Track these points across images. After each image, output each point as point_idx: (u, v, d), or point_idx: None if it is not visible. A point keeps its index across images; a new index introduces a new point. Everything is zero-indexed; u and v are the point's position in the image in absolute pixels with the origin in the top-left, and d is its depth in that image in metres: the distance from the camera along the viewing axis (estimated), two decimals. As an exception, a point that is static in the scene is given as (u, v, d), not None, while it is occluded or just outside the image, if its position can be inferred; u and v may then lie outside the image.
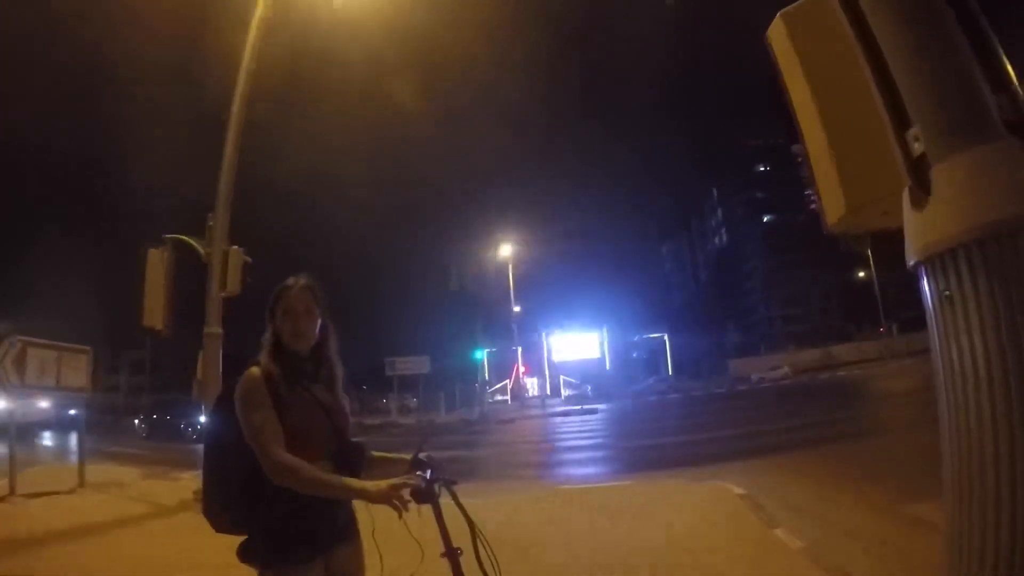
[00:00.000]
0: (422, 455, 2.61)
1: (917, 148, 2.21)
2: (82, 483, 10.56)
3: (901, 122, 2.27)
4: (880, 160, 2.34)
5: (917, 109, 2.20)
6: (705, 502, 7.52)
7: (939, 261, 2.10)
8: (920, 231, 2.19)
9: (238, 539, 2.37)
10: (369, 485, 2.28)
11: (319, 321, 2.53)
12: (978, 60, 2.18)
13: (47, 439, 22.06)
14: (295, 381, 2.42)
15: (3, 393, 10.27)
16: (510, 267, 48.20)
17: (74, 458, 12.62)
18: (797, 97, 2.66)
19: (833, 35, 2.49)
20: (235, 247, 9.91)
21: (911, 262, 2.27)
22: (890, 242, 2.54)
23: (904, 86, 2.24)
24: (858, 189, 2.45)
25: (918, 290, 2.25)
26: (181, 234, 10.07)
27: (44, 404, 20.33)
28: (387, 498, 2.24)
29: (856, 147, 2.45)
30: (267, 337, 2.48)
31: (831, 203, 2.55)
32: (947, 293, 2.07)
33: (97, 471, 11.54)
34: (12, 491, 9.24)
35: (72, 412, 20.79)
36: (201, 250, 9.84)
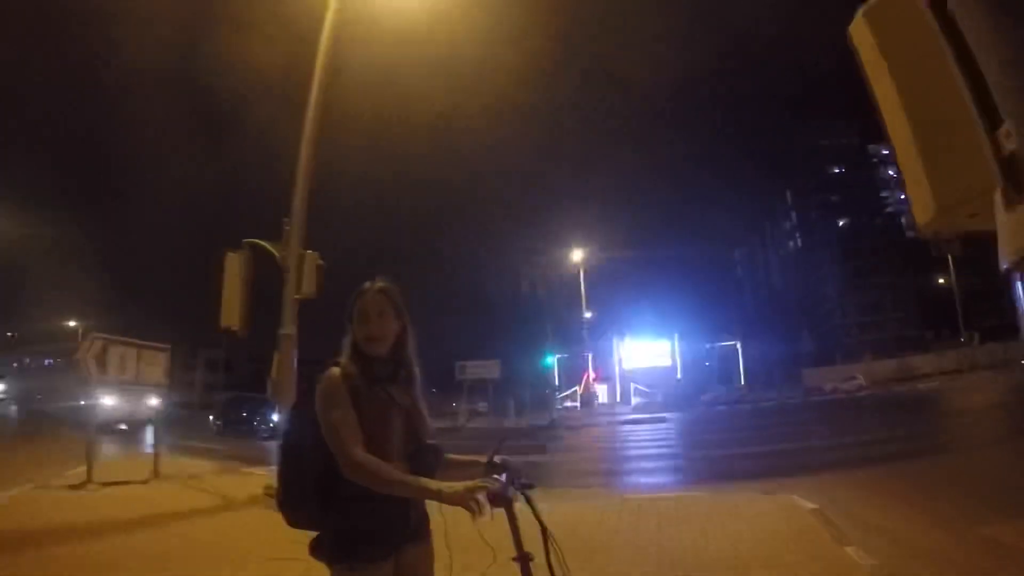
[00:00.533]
0: (498, 458, 2.62)
1: (1009, 146, 2.12)
2: (156, 474, 10.92)
3: (992, 120, 2.17)
4: (970, 159, 2.24)
5: (1009, 106, 2.10)
6: (774, 516, 7.36)
7: (1034, 265, 2.00)
8: (1014, 233, 2.08)
9: (307, 534, 2.41)
10: (444, 486, 2.28)
11: (396, 324, 2.56)
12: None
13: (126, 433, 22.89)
14: (373, 382, 2.44)
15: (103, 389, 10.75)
16: (581, 272, 48.13)
17: (150, 450, 13.04)
18: (883, 95, 2.58)
19: (917, 30, 2.40)
20: (310, 251, 10.12)
21: (1004, 266, 2.16)
22: (977, 246, 2.45)
23: (994, 82, 2.14)
24: (948, 189, 2.36)
25: (1006, 297, 2.16)
26: (260, 239, 10.32)
27: (154, 401, 21.01)
28: (463, 500, 2.23)
29: (945, 146, 2.36)
30: (347, 340, 2.52)
31: (920, 204, 2.46)
32: None
33: (171, 463, 11.89)
34: (89, 479, 9.58)
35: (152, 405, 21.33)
36: (277, 254, 10.06)
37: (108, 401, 19.56)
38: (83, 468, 9.77)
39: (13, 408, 41.87)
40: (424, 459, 2.43)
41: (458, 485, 2.30)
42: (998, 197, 2.16)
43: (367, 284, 2.56)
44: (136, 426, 21.44)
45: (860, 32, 2.65)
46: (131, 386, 11.70)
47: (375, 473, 2.26)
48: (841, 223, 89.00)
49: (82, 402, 18.65)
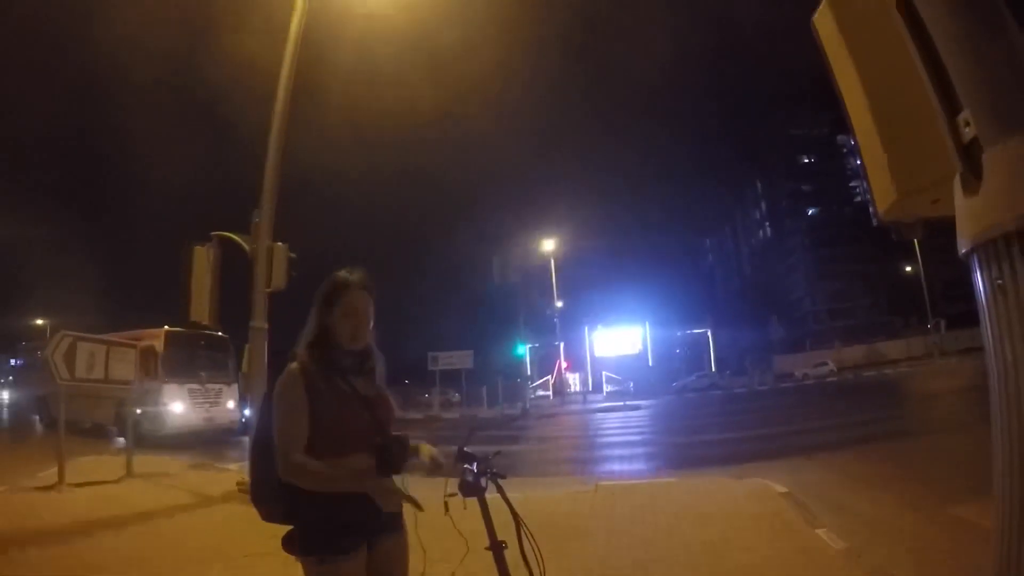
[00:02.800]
0: (467, 448, 2.63)
1: (968, 133, 2.14)
2: (129, 473, 10.76)
3: (951, 107, 2.20)
4: (930, 146, 2.27)
5: (968, 93, 2.13)
6: (747, 500, 7.46)
7: (991, 249, 2.02)
8: (971, 218, 2.11)
9: (281, 530, 2.42)
10: (380, 479, 2.35)
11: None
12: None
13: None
14: (335, 374, 2.44)
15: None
16: (553, 262, 48.14)
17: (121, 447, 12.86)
18: (845, 83, 2.61)
19: (881, 19, 2.43)
20: (279, 243, 10.03)
21: (962, 251, 2.18)
22: (939, 235, 2.49)
23: (954, 70, 2.17)
24: (908, 176, 2.39)
25: (968, 282, 2.19)
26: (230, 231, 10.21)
27: (231, 404, 19.99)
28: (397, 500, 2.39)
29: (906, 133, 2.39)
30: (310, 329, 2.50)
31: (881, 191, 2.49)
32: (999, 282, 2.00)
33: (144, 461, 11.77)
34: (61, 480, 9.45)
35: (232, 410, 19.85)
36: (246, 246, 9.97)
37: (178, 407, 18.71)
38: (54, 469, 9.63)
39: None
40: (390, 451, 2.43)
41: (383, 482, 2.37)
42: (957, 183, 2.19)
43: (344, 274, 2.53)
44: (215, 435, 19.21)
45: (824, 21, 2.68)
46: (101, 385, 11.29)
47: (312, 474, 2.28)
48: (811, 212, 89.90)
49: (139, 410, 18.01)
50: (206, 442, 17.52)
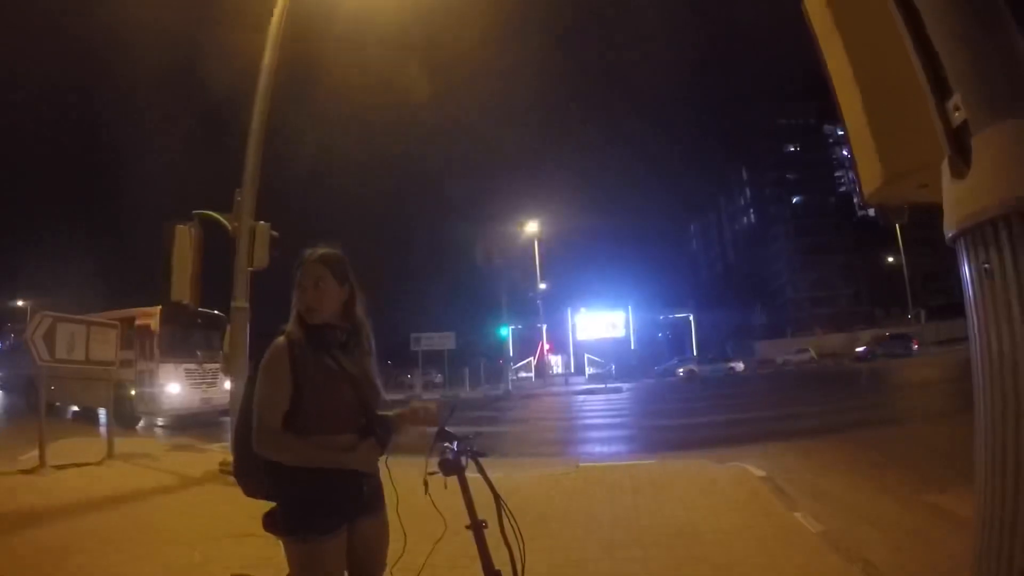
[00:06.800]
0: (448, 428, 2.61)
1: (957, 117, 2.14)
2: (111, 454, 10.66)
3: (941, 91, 2.20)
4: (919, 130, 2.27)
5: (959, 77, 2.12)
6: (726, 483, 7.50)
7: (979, 233, 2.03)
8: (959, 202, 2.12)
9: (261, 511, 2.41)
10: (356, 454, 2.35)
11: (341, 291, 2.52)
12: (1022, 29, 2.10)
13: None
14: (321, 350, 2.42)
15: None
16: (536, 244, 48.22)
17: (103, 430, 12.74)
18: (834, 66, 2.60)
19: (871, 2, 2.41)
20: (262, 222, 9.95)
21: (949, 234, 2.19)
22: (922, 226, 2.49)
23: (945, 54, 2.16)
24: (896, 159, 2.38)
25: (949, 275, 2.19)
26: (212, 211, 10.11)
27: (228, 385, 19.33)
28: (372, 463, 2.39)
29: (894, 116, 2.38)
30: (293, 306, 2.48)
31: (868, 173, 2.49)
32: (986, 266, 2.00)
33: (126, 443, 11.68)
34: (42, 462, 9.37)
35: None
36: (228, 225, 9.88)
37: (174, 388, 18.07)
38: (35, 452, 9.53)
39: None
40: (375, 431, 2.41)
41: (364, 447, 2.37)
42: (945, 167, 2.18)
43: (308, 251, 2.52)
44: (212, 417, 18.49)
45: (814, 2, 2.66)
46: (81, 366, 11.11)
47: (286, 447, 2.28)
48: (796, 200, 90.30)
49: (131, 391, 17.44)
50: (201, 424, 17.32)
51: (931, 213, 2.36)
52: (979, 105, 2.06)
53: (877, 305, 74.14)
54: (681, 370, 50.53)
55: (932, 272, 58.48)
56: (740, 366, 51.01)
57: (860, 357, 45.97)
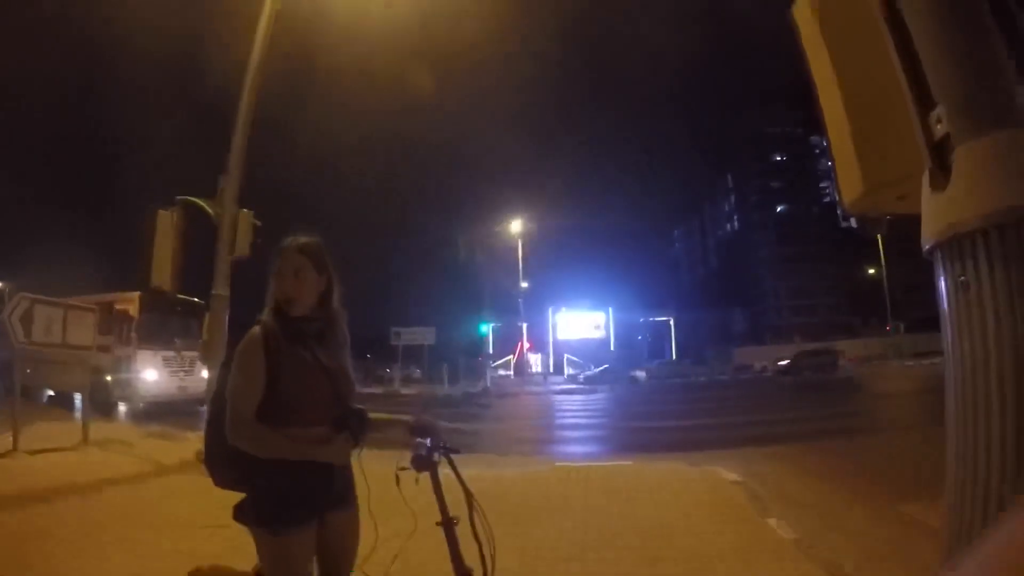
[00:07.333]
0: (423, 421, 2.60)
1: (939, 130, 2.15)
2: (85, 440, 10.56)
3: (924, 103, 2.21)
4: (901, 141, 2.28)
5: (942, 90, 2.13)
6: (699, 487, 7.53)
7: (956, 245, 2.04)
8: (938, 213, 2.12)
9: (234, 501, 2.38)
10: (328, 447, 2.33)
11: (319, 281, 2.50)
12: (1007, 44, 2.11)
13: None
14: (298, 341, 2.40)
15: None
16: (520, 243, 48.30)
17: (79, 415, 12.61)
18: (819, 73, 2.61)
19: (859, 13, 2.42)
20: (244, 210, 9.91)
21: (926, 246, 2.20)
22: (903, 239, 2.51)
23: (930, 66, 2.17)
24: (877, 169, 2.40)
25: (928, 288, 2.20)
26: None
27: (206, 374, 19.16)
28: (344, 456, 2.38)
29: (877, 127, 2.39)
30: (269, 295, 2.46)
31: (848, 182, 2.50)
32: (963, 278, 2.01)
33: (101, 429, 11.57)
34: (15, 447, 9.27)
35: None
36: (211, 212, 9.83)
37: (151, 375, 18.08)
38: (9, 436, 9.43)
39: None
40: (349, 424, 2.40)
41: (339, 440, 2.35)
42: (925, 179, 2.20)
43: (288, 240, 2.49)
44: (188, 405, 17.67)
45: (802, 10, 2.68)
46: (58, 349, 10.98)
47: (260, 439, 2.25)
48: (780, 208, 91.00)
49: (108, 377, 17.36)
50: (177, 412, 17.14)
51: (912, 226, 2.37)
52: (961, 118, 2.07)
53: (856, 315, 74.78)
54: (582, 376, 50.53)
55: (912, 284, 59.00)
56: (642, 375, 50.87)
57: (783, 371, 44.56)
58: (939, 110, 2.15)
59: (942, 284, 2.13)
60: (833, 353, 46.04)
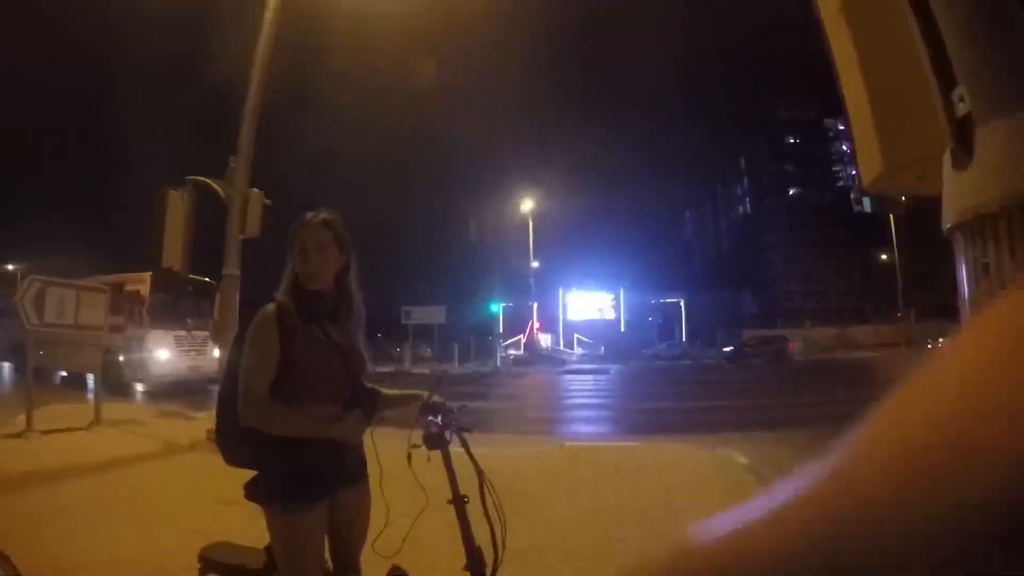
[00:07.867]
0: (435, 399, 2.60)
1: (962, 108, 2.10)
2: (98, 420, 10.65)
3: (947, 81, 2.17)
4: (922, 119, 2.23)
5: (965, 68, 2.08)
6: (708, 468, 7.53)
7: (977, 226, 1.99)
8: (959, 194, 2.08)
9: (246, 479, 2.39)
10: (343, 424, 2.34)
11: (339, 257, 2.47)
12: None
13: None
14: (311, 319, 2.39)
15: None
16: (531, 222, 48.27)
17: (91, 395, 12.70)
18: (839, 51, 2.56)
19: (881, -11, 2.39)
20: (255, 190, 9.91)
21: (946, 227, 2.15)
22: (916, 225, 2.47)
23: (953, 44, 2.13)
24: (897, 147, 2.35)
25: (941, 275, 2.17)
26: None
27: (217, 353, 19.30)
28: (358, 433, 2.38)
29: (898, 105, 2.35)
30: (287, 273, 2.44)
31: (868, 161, 2.46)
32: (984, 260, 1.97)
33: (114, 408, 11.66)
34: (29, 427, 9.35)
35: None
36: (222, 192, 9.83)
37: (163, 355, 18.25)
38: (22, 416, 9.51)
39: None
40: (361, 402, 2.40)
41: (351, 418, 2.35)
42: (946, 159, 2.16)
43: (308, 215, 2.46)
44: (200, 384, 18.15)
45: (823, -13, 2.64)
46: (70, 330, 11.02)
47: (273, 416, 2.25)
48: (792, 192, 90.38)
49: (120, 357, 17.51)
50: (189, 391, 17.21)
51: (927, 213, 2.33)
52: (984, 97, 2.03)
53: (868, 302, 74.36)
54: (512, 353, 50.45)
55: (925, 273, 58.58)
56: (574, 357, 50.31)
57: (729, 358, 44.68)
58: (961, 88, 2.11)
59: (962, 267, 2.09)
60: (783, 340, 46.32)
